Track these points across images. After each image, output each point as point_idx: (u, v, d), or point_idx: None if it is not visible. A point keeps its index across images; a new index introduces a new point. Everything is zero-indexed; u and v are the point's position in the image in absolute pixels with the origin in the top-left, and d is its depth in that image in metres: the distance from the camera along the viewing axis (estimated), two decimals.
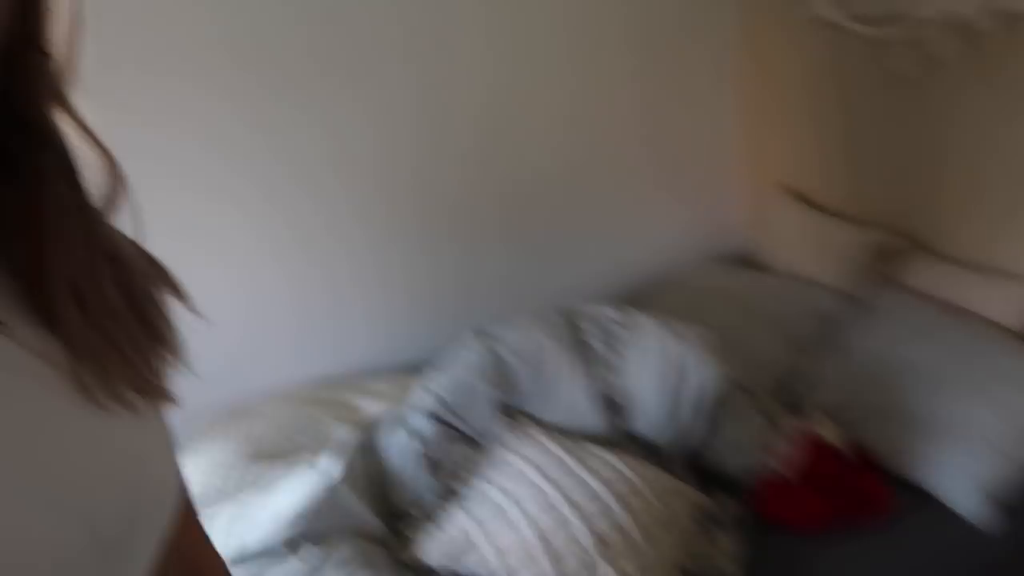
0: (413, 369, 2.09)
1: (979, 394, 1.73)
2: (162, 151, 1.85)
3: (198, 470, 1.72)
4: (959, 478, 1.66)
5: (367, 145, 2.05)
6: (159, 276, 0.58)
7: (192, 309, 0.59)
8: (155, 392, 0.54)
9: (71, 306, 0.49)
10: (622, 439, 1.77)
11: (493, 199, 2.24)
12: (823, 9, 2.12)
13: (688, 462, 1.76)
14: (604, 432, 1.77)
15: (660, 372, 1.80)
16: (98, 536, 0.47)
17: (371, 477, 1.66)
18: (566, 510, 1.50)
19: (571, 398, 1.79)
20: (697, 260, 2.55)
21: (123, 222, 0.57)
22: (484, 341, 1.83)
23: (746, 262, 2.57)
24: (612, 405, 1.81)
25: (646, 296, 2.33)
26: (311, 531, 1.51)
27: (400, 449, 1.68)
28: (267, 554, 1.50)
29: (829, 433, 1.80)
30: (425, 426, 1.69)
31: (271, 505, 1.56)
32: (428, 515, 1.61)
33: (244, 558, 1.50)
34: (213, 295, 2.08)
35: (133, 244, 0.57)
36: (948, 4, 1.84)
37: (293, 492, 1.56)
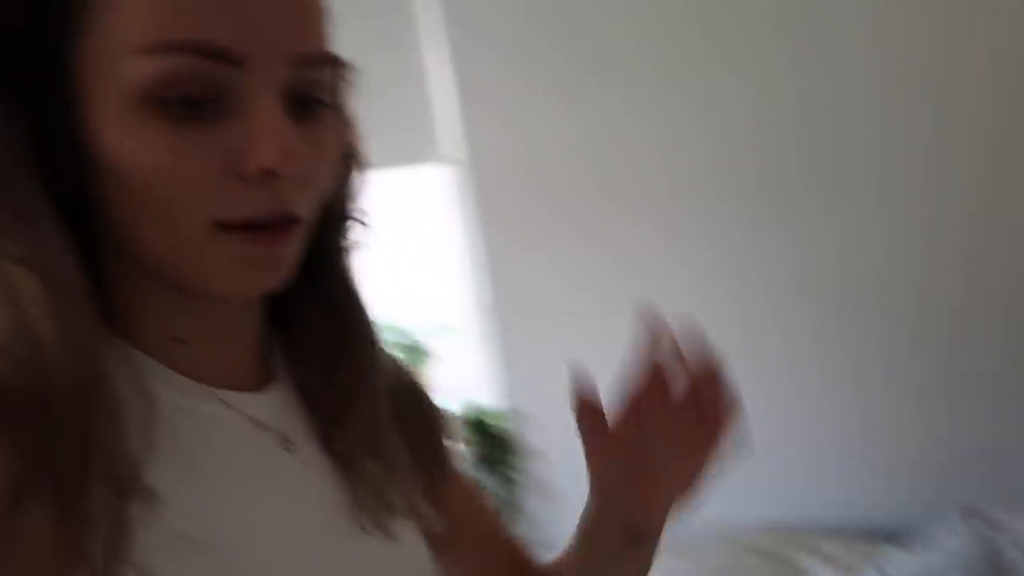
0: (879, 535, 1.76)
1: None
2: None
3: None
4: None
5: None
6: (422, 399, 0.61)
7: (456, 430, 0.58)
8: (411, 516, 0.56)
9: (349, 434, 0.54)
10: None
11: (1004, 336, 1.75)
12: None
13: None
14: None
15: None
16: None
17: None
18: None
19: None
20: None
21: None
22: (975, 524, 1.46)
23: None
24: None
25: None
26: None
27: None
28: None
29: None
30: None
31: None
32: None
33: None
34: None
35: (399, 370, 0.60)
36: None
37: None
